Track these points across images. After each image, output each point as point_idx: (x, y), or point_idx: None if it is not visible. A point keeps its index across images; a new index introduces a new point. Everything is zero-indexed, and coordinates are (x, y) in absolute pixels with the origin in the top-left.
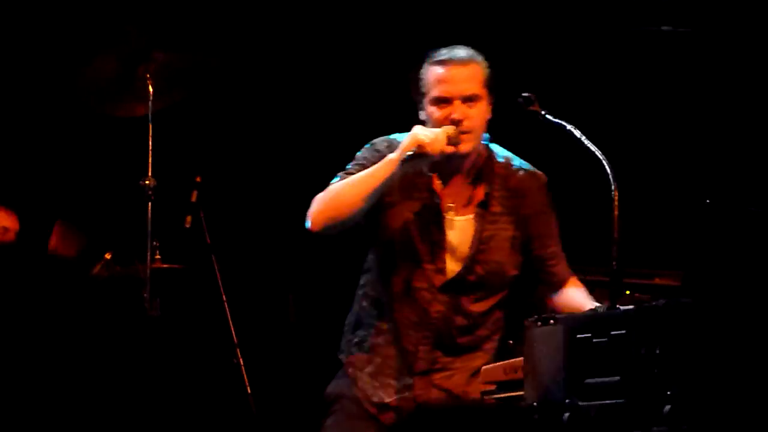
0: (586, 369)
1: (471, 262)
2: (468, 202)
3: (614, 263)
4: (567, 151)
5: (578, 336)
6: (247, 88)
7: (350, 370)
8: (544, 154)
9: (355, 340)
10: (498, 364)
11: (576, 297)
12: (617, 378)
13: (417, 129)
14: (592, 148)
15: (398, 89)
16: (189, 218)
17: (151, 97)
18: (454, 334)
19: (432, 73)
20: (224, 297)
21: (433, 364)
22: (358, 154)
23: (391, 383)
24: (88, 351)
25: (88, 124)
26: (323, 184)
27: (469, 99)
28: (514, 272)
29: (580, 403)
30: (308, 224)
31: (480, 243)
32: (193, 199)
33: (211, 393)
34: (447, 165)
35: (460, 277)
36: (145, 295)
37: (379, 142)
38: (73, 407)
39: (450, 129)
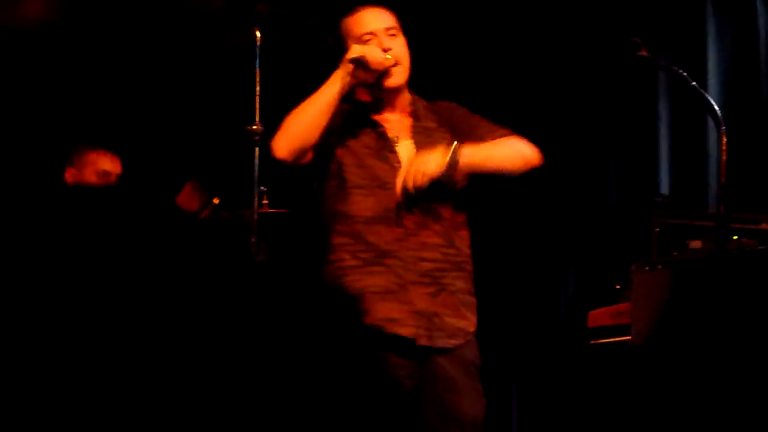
0: (692, 312)
1: None
2: (404, 127)
3: (721, 208)
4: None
5: (685, 280)
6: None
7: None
8: None
9: (339, 289)
10: (605, 308)
11: None
12: (724, 320)
13: (357, 46)
14: (703, 93)
15: None
16: None
17: (258, 43)
18: (431, 242)
19: (350, 21)
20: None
21: (423, 276)
22: None
23: (387, 305)
24: (195, 295)
25: (197, 67)
26: None
27: (390, 31)
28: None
29: (687, 346)
30: (273, 153)
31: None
32: None
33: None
34: (381, 103)
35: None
36: (251, 240)
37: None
38: (181, 348)
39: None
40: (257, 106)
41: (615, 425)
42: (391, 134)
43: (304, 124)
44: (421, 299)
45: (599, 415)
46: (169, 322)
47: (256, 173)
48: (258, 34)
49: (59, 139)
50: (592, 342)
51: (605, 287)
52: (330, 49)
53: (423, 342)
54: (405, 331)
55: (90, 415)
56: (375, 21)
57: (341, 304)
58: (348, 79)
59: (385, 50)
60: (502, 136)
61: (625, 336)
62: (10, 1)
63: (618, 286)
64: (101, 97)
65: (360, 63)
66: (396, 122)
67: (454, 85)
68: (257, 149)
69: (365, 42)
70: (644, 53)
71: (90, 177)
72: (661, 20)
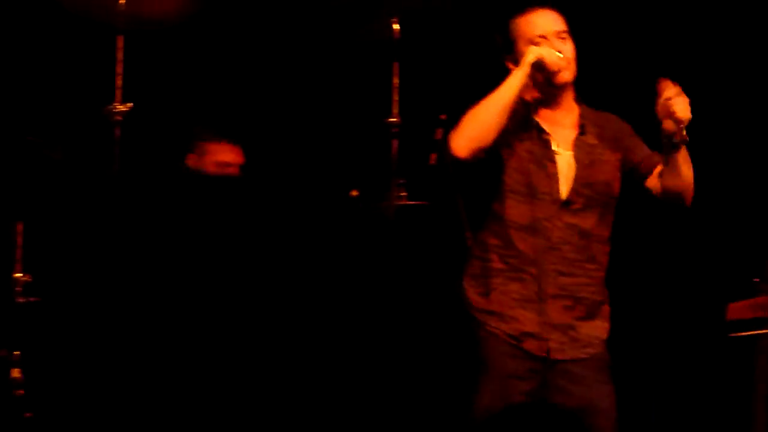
0: None
1: (580, 185)
2: (567, 139)
3: None
4: None
5: None
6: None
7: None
8: None
9: (480, 290)
10: (745, 301)
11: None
12: None
13: (535, 47)
14: None
15: None
16: (434, 156)
17: (396, 35)
18: (571, 258)
19: (522, 22)
20: (468, 234)
21: (561, 290)
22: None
23: (525, 314)
24: (332, 285)
25: (329, 61)
26: None
27: (561, 35)
28: (618, 189)
29: None
30: (453, 153)
31: (584, 168)
32: (438, 136)
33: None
34: (548, 99)
35: (572, 199)
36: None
37: None
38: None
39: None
40: (395, 98)
41: (753, 419)
42: (554, 143)
43: (484, 124)
44: (557, 312)
45: (738, 409)
46: (306, 316)
47: (394, 165)
48: (396, 26)
49: (189, 125)
50: (731, 335)
51: (744, 280)
52: (498, 47)
53: (557, 356)
54: (537, 348)
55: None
56: (548, 23)
57: (479, 304)
58: (526, 80)
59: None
60: (657, 162)
61: (765, 329)
62: None
63: (757, 279)
64: (235, 87)
65: (539, 65)
66: (561, 132)
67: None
68: (395, 141)
69: (537, 44)
70: None
71: (209, 166)
72: None
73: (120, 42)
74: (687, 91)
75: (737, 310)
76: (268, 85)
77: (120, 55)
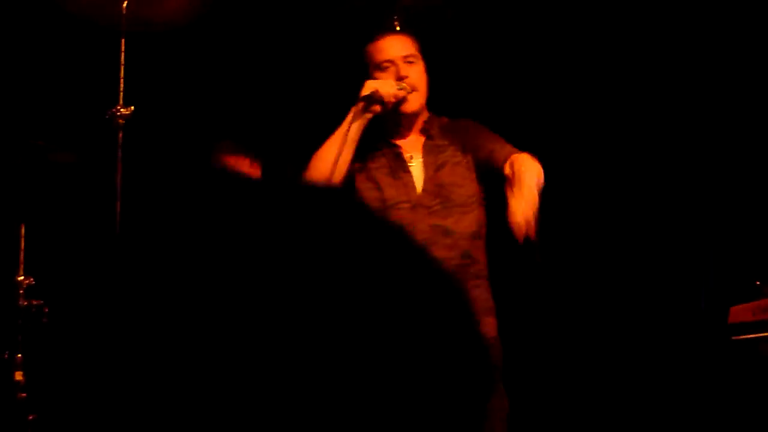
0: None
1: (433, 187)
2: (417, 145)
3: None
4: None
5: None
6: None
7: None
8: None
9: None
10: (747, 304)
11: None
12: None
13: (371, 81)
14: None
15: None
16: None
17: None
18: (441, 255)
19: (371, 49)
20: None
21: None
22: None
23: None
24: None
25: (332, 65)
26: None
27: (408, 59)
28: (475, 187)
29: None
30: (306, 181)
31: (435, 170)
32: None
33: None
34: (399, 126)
35: (427, 203)
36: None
37: None
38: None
39: (398, 82)
40: None
41: (756, 422)
42: (406, 153)
43: (329, 161)
44: None
45: (740, 412)
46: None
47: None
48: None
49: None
50: (733, 338)
51: (746, 283)
52: (354, 74)
53: None
54: None
55: None
56: (394, 49)
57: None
58: (366, 114)
59: (401, 77)
60: (510, 153)
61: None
62: None
63: (758, 282)
64: (239, 91)
65: (372, 99)
66: (411, 141)
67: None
68: None
69: (384, 69)
70: None
71: None
72: None
73: (123, 45)
74: (688, 93)
75: (739, 313)
76: (270, 90)
77: (123, 59)
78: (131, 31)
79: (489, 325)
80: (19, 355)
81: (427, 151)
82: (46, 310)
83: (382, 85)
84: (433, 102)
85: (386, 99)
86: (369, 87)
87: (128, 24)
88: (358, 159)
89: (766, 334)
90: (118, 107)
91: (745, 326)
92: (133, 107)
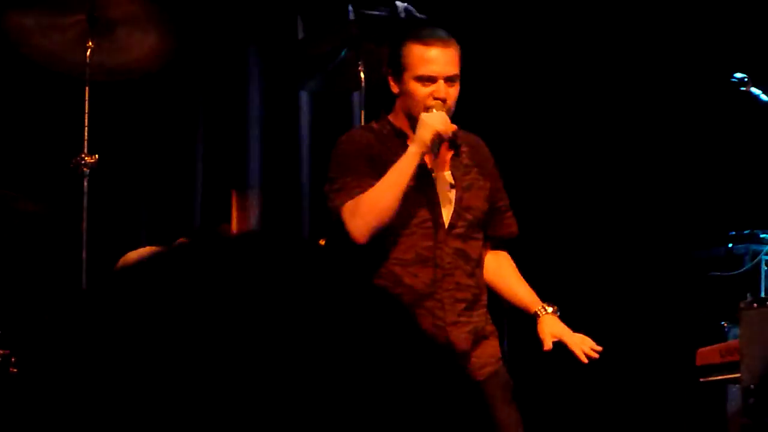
0: None
1: (460, 209)
2: (444, 162)
3: None
4: None
5: None
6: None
7: None
8: None
9: None
10: (714, 346)
11: (506, 275)
12: None
13: (428, 118)
14: None
15: None
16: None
17: (363, 84)
18: (464, 283)
19: (416, 51)
20: None
21: (459, 317)
22: (337, 158)
23: None
24: None
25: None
26: None
27: (450, 79)
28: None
29: None
30: (354, 238)
31: (463, 191)
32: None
33: None
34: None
35: (455, 224)
36: None
37: (356, 134)
38: None
39: (442, 106)
40: None
41: None
42: (430, 166)
43: (385, 206)
44: (460, 340)
45: None
46: None
47: None
48: (362, 75)
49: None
50: (701, 380)
51: (712, 324)
52: (387, 58)
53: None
54: None
55: None
56: (440, 64)
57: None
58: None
59: (439, 98)
60: (515, 224)
61: (736, 373)
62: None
63: (725, 324)
64: (206, 137)
65: (434, 140)
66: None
67: None
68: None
69: (422, 81)
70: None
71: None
72: None
73: (86, 93)
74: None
75: (707, 354)
76: (237, 134)
77: (87, 107)
78: (95, 80)
79: (494, 349)
80: None
81: (455, 168)
82: (14, 359)
83: (440, 123)
84: None
85: (445, 137)
86: (429, 128)
87: (92, 72)
88: (382, 169)
89: (734, 375)
90: (83, 155)
91: (713, 368)
92: (97, 155)
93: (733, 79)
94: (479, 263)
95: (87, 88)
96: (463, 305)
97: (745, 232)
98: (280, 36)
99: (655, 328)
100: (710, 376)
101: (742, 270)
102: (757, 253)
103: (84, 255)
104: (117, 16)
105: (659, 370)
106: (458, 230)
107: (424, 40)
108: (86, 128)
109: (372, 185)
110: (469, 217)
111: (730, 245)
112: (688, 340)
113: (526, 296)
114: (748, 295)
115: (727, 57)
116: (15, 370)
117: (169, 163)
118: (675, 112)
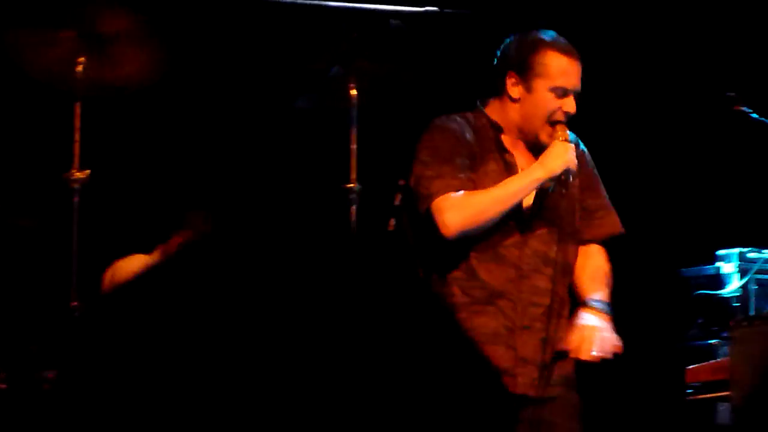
0: None
1: (544, 210)
2: (532, 160)
3: None
4: None
5: None
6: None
7: None
8: None
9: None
10: (705, 364)
11: (579, 266)
12: None
13: (565, 150)
14: None
15: None
16: (392, 221)
17: (354, 101)
18: (542, 287)
19: (557, 59)
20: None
21: (532, 321)
22: (433, 142)
23: (500, 351)
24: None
25: (289, 130)
26: None
27: (577, 95)
28: (576, 223)
29: None
30: (444, 231)
31: (548, 192)
32: (397, 202)
33: None
34: (520, 132)
35: (537, 226)
36: None
37: (452, 121)
38: None
39: (566, 132)
40: (353, 164)
41: None
42: (519, 164)
43: (490, 215)
44: (528, 346)
45: None
46: None
47: (354, 230)
48: (354, 92)
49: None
50: (689, 398)
51: (702, 343)
52: (502, 56)
53: (532, 393)
54: (516, 386)
55: None
56: (576, 78)
57: (442, 340)
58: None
59: (569, 112)
60: (613, 222)
61: (726, 391)
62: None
63: (713, 342)
64: (195, 153)
65: (566, 177)
66: (521, 151)
67: None
68: (354, 207)
69: (555, 92)
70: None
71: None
72: None
73: (77, 109)
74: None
75: (696, 372)
76: (227, 152)
77: (77, 122)
78: (87, 95)
79: (570, 368)
80: None
81: None
82: (3, 375)
83: (573, 158)
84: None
85: (572, 173)
86: (563, 162)
87: (83, 87)
88: (474, 162)
89: (723, 393)
90: (74, 171)
91: (704, 386)
92: (89, 171)
93: (725, 97)
94: (565, 271)
95: (79, 103)
96: (540, 310)
97: (734, 250)
98: (272, 52)
99: (643, 347)
100: (699, 395)
101: (730, 289)
102: (746, 272)
103: (74, 269)
104: (109, 31)
105: (648, 389)
106: (540, 231)
107: (565, 50)
108: (77, 143)
109: (469, 178)
110: (551, 218)
111: (718, 264)
112: (675, 358)
113: (582, 286)
114: (738, 313)
115: (716, 76)
116: (4, 386)
117: (159, 177)
118: (664, 130)
